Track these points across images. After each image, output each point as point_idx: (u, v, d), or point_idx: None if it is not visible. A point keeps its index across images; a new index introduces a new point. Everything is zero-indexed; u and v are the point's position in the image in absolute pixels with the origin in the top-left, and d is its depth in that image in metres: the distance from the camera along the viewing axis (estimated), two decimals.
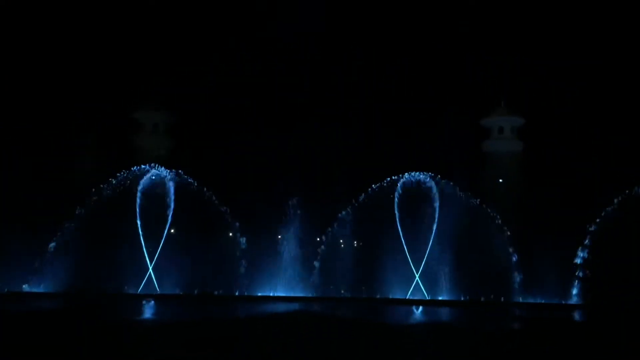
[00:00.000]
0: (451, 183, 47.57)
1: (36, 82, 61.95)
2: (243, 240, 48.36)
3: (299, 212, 49.15)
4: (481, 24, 67.64)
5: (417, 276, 48.08)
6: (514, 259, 47.03)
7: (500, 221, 47.33)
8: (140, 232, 48.57)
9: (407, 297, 47.77)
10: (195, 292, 48.39)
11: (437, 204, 47.35)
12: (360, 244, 50.78)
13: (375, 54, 67.90)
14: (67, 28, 65.05)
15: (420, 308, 43.98)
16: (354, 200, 48.19)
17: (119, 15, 67.54)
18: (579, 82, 61.87)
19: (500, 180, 58.98)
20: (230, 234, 49.73)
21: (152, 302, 44.86)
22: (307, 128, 59.61)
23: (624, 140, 57.31)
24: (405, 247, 47.42)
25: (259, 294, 48.21)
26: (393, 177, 48.15)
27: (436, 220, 47.05)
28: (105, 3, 68.34)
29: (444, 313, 42.32)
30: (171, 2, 70.62)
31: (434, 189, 47.49)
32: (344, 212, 48.10)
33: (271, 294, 48.12)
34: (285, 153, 57.37)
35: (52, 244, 46.91)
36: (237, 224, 48.94)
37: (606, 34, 64.59)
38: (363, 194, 48.05)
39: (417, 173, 48.02)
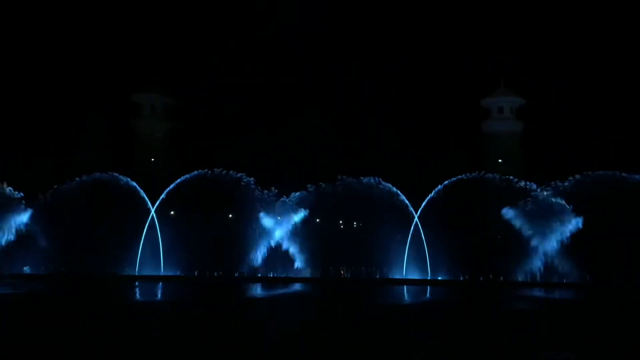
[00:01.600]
0: None
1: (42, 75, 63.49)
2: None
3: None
4: (481, 24, 67.74)
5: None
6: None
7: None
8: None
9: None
10: (196, 273, 50.42)
11: None
12: None
13: (375, 54, 68.07)
14: (72, 29, 65.85)
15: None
16: None
17: (120, 14, 67.99)
18: (578, 82, 61.81)
19: (500, 160, 58.81)
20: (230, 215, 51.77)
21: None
22: (306, 127, 59.88)
23: (623, 140, 57.25)
24: None
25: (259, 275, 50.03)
26: None
27: None
28: (107, 2, 68.87)
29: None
30: (172, 2, 70.95)
31: None
32: None
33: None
34: (285, 151, 57.74)
35: None
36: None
37: (606, 34, 64.62)
38: None
39: None
